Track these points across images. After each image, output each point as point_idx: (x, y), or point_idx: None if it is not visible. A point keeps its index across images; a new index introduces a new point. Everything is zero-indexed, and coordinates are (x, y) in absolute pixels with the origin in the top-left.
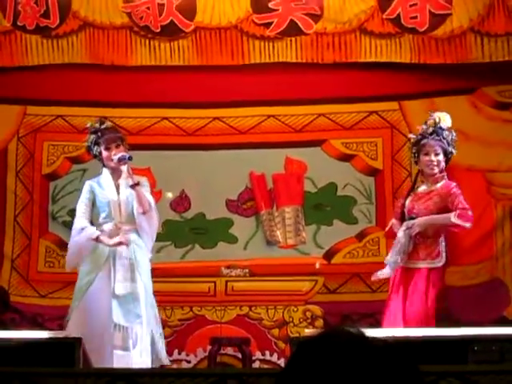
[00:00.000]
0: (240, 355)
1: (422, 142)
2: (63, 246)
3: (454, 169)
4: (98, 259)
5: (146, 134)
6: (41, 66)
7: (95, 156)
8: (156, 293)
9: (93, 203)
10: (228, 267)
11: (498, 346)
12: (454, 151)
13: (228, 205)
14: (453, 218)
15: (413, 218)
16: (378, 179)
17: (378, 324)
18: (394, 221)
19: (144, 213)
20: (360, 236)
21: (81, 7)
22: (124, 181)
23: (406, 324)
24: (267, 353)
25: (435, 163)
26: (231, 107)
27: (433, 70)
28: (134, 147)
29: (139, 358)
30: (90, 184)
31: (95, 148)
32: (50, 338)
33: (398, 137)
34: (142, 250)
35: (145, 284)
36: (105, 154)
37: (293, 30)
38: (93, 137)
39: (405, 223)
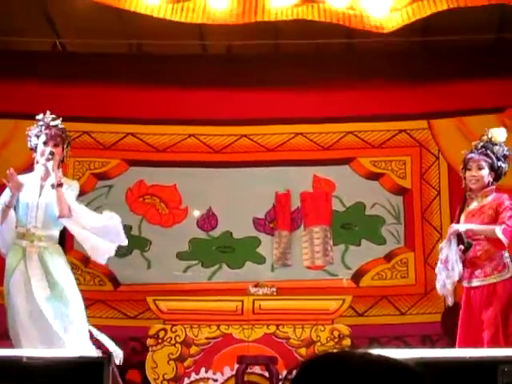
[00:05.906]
0: (267, 374)
1: (468, 157)
2: (88, 262)
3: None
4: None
5: (172, 151)
6: (66, 83)
7: (31, 148)
8: (183, 311)
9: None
10: (255, 286)
11: None
12: (503, 165)
13: (255, 223)
14: (497, 230)
15: (469, 240)
16: (407, 198)
17: (406, 347)
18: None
19: (60, 217)
20: (388, 257)
21: None
22: (50, 182)
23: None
24: (294, 372)
25: (477, 178)
26: (258, 125)
27: (462, 89)
28: (160, 164)
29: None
30: None
31: (33, 139)
32: (79, 357)
33: (426, 156)
34: (54, 258)
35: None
36: (40, 148)
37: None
38: (37, 128)
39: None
